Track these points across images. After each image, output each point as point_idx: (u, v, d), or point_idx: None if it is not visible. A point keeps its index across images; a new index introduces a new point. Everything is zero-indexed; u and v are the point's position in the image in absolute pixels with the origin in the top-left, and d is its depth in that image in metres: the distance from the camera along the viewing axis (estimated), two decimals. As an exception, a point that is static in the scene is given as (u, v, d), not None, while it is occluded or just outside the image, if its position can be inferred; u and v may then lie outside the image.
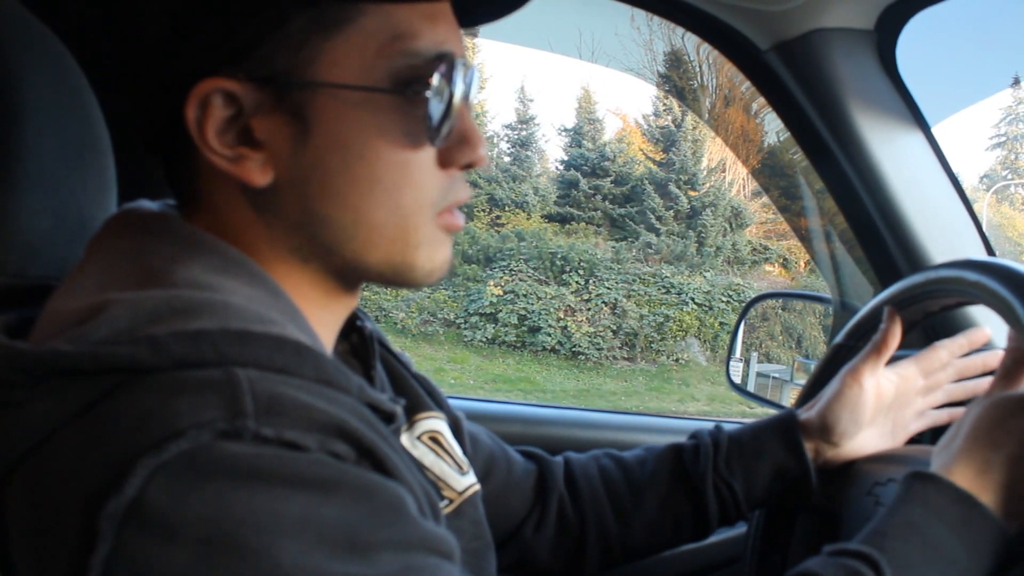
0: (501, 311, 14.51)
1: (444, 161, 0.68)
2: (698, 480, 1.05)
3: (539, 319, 14.36)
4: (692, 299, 14.70)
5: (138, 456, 0.47)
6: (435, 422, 0.88)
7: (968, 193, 1.40)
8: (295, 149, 0.63)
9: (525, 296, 14.66)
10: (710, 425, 1.13)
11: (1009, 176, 28.19)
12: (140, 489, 0.46)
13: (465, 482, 0.86)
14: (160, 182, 0.77)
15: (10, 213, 0.71)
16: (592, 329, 14.41)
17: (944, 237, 1.38)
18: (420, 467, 0.82)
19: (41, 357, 0.51)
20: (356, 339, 0.83)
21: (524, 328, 14.40)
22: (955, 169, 1.38)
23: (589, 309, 14.70)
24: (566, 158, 18.64)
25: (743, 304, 14.45)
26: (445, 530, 0.58)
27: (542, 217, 17.60)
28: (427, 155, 0.66)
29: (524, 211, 17.56)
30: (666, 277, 15.20)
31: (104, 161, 0.83)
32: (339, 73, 0.62)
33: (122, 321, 0.54)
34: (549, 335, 14.24)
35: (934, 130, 1.36)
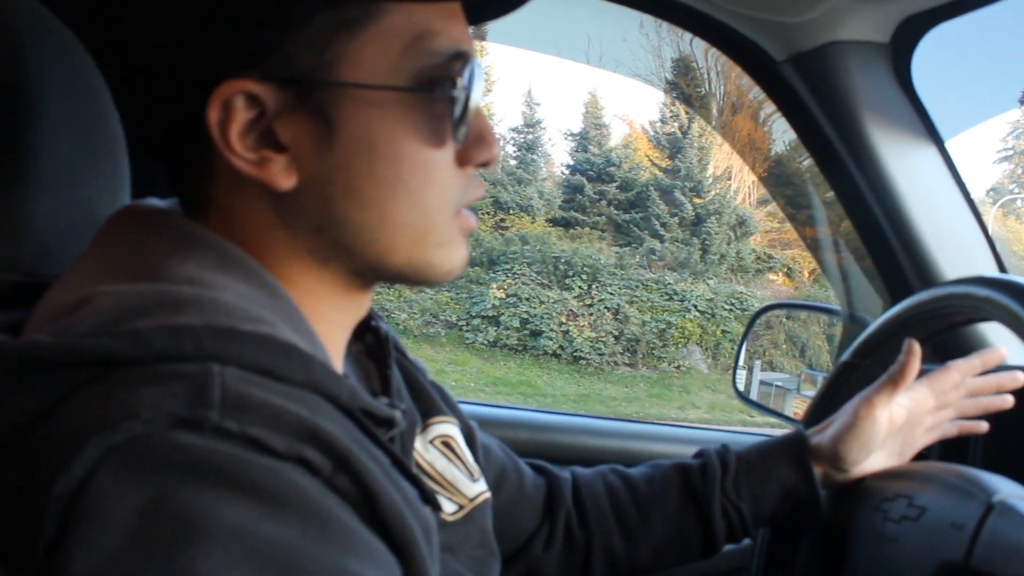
0: (503, 314, 14.50)
1: (462, 160, 0.68)
2: (705, 501, 1.04)
3: (541, 323, 14.35)
4: (695, 306, 14.69)
5: (90, 436, 0.46)
6: (448, 427, 0.87)
7: (979, 209, 1.40)
8: (319, 151, 0.63)
9: (528, 300, 14.65)
10: (716, 441, 1.12)
11: (1016, 190, 28.09)
12: (88, 471, 0.45)
13: (476, 489, 0.86)
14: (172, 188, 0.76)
15: (24, 211, 0.71)
16: (594, 334, 14.40)
17: (956, 252, 1.38)
18: (428, 473, 0.82)
19: (21, 350, 0.50)
20: (371, 339, 0.82)
21: (526, 332, 14.39)
22: (967, 184, 1.38)
23: (591, 314, 14.70)
24: (572, 162, 18.65)
25: (746, 312, 14.49)
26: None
27: (547, 221, 17.60)
28: (448, 154, 0.66)
29: (529, 215, 17.57)
30: (669, 284, 15.19)
31: (118, 160, 0.83)
32: (363, 73, 0.62)
33: (106, 314, 0.53)
34: (551, 339, 14.23)
35: (948, 145, 1.36)
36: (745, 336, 2.12)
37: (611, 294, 14.91)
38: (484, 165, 0.70)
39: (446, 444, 0.86)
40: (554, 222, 17.63)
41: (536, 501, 1.05)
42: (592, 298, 14.90)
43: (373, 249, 0.66)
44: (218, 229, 0.64)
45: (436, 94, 0.64)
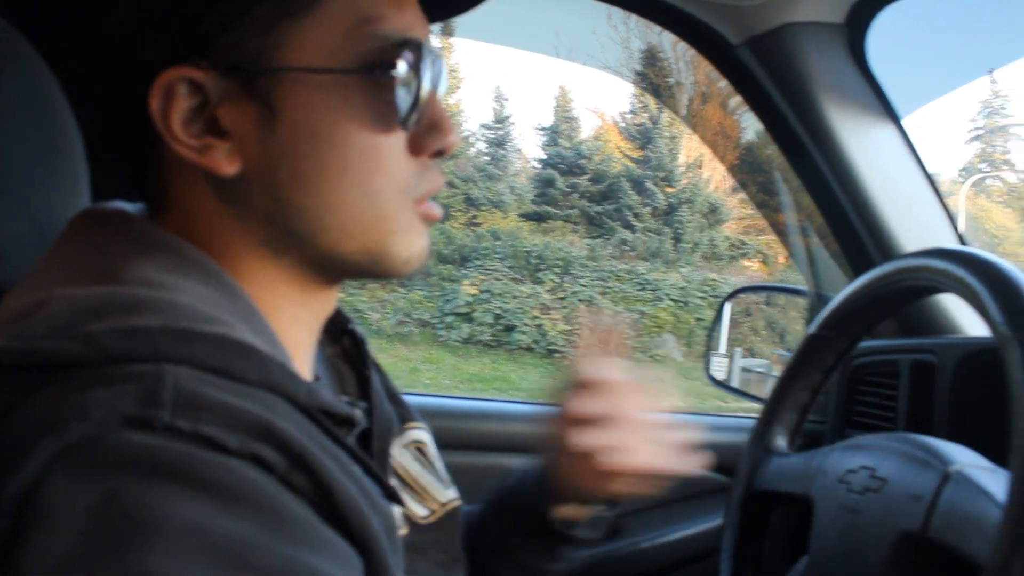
0: (476, 310, 14.48)
1: (415, 148, 0.67)
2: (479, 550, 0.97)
3: (514, 317, 14.34)
4: (667, 295, 14.74)
5: (40, 438, 0.46)
6: (421, 433, 0.87)
7: (947, 186, 1.43)
8: (263, 137, 0.62)
9: (500, 295, 14.64)
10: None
11: (986, 168, 28.42)
12: (39, 473, 0.45)
13: (448, 495, 0.85)
14: (132, 184, 0.76)
15: (-20, 217, 0.71)
16: (568, 327, 14.41)
17: (916, 227, 1.40)
18: (402, 477, 0.81)
19: None
20: (348, 343, 0.82)
21: (499, 327, 14.37)
22: (928, 161, 1.40)
23: (564, 307, 14.71)
24: (543, 156, 18.66)
25: (719, 299, 14.55)
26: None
27: (519, 216, 17.59)
28: (397, 140, 0.66)
29: (500, 210, 17.55)
30: (641, 274, 15.23)
31: (75, 164, 0.82)
32: (306, 57, 0.62)
33: (61, 317, 0.52)
34: (524, 333, 14.22)
35: (906, 121, 1.39)
36: (716, 321, 2.14)
37: (583, 286, 14.92)
38: (440, 154, 0.69)
39: (419, 450, 0.85)
40: (526, 216, 17.62)
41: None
42: (565, 291, 14.91)
43: (325, 237, 0.65)
44: (174, 224, 0.64)
45: (377, 77, 0.63)
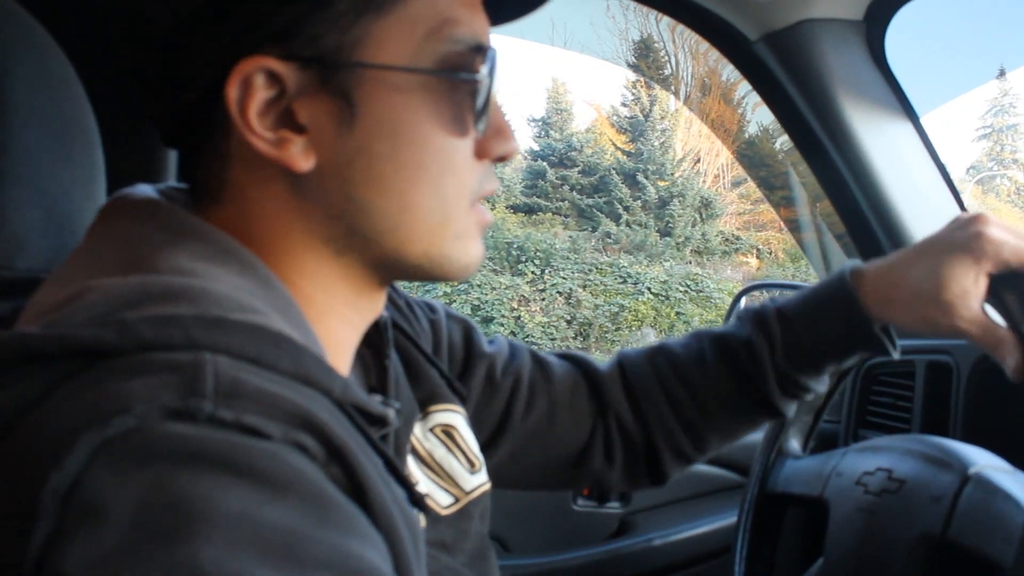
0: (455, 301, 14.49)
1: (480, 151, 0.68)
2: (761, 381, 0.98)
3: (492, 309, 14.37)
4: (648, 288, 14.80)
5: (81, 431, 0.45)
6: (450, 415, 0.86)
7: (955, 184, 1.42)
8: (340, 133, 0.62)
9: (479, 286, 14.66)
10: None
11: (994, 167, 28.68)
12: (83, 466, 0.44)
13: (474, 482, 0.85)
14: (149, 173, 0.74)
15: (-3, 205, 0.69)
16: (546, 319, 14.46)
17: (932, 226, 1.39)
18: (425, 461, 0.81)
19: (7, 342, 0.50)
20: (371, 328, 0.80)
21: (477, 318, 14.38)
22: (942, 159, 1.40)
23: (543, 299, 14.75)
24: (534, 148, 18.65)
25: (701, 294, 14.58)
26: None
27: (507, 207, 17.60)
28: (468, 144, 0.66)
29: (488, 201, 17.48)
30: (623, 267, 15.29)
31: (92, 152, 0.81)
32: (387, 56, 0.62)
33: (97, 307, 0.52)
34: (502, 325, 14.25)
35: (923, 120, 1.38)
36: (728, 318, 2.14)
37: (564, 278, 14.97)
38: (502, 159, 0.70)
39: (447, 433, 0.84)
40: (515, 208, 17.63)
41: (579, 409, 1.02)
42: (544, 283, 14.95)
43: (391, 238, 0.65)
44: (232, 216, 0.64)
45: (461, 79, 0.64)
